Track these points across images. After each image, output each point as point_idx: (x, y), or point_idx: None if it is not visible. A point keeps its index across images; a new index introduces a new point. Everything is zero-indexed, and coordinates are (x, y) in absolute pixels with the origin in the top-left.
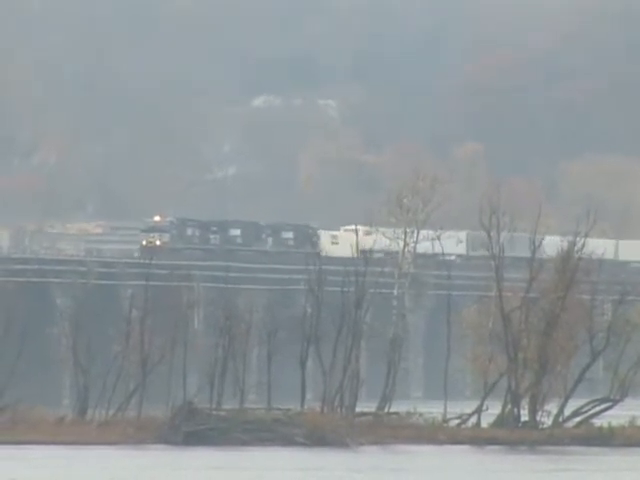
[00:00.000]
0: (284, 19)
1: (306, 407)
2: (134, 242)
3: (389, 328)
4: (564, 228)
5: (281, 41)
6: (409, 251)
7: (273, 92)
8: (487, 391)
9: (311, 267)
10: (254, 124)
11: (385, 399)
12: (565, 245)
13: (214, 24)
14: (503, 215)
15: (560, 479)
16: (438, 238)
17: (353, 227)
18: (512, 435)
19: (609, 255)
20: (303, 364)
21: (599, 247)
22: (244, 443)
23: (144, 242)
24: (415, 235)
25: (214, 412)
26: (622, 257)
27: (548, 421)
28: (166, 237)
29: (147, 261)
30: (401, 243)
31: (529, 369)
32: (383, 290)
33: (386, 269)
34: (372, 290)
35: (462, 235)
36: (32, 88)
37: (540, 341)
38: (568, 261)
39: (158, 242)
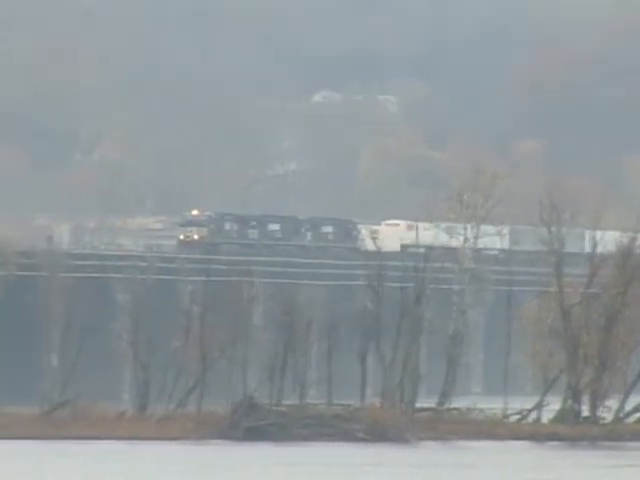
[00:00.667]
0: (346, 15)
1: (366, 402)
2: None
3: (449, 324)
4: (624, 223)
5: (342, 37)
6: (469, 247)
7: (334, 88)
8: (547, 387)
9: (372, 262)
10: (315, 120)
11: (445, 395)
12: (625, 240)
13: (276, 20)
14: (563, 211)
15: (621, 475)
16: (498, 234)
17: (395, 222)
18: (572, 431)
19: None
20: (363, 359)
21: None
22: (304, 439)
23: (181, 236)
24: (475, 231)
25: (274, 407)
26: None
27: (609, 417)
28: (204, 231)
29: (208, 257)
30: (461, 239)
31: (589, 365)
32: (443, 286)
33: (446, 264)
34: (432, 286)
35: (505, 229)
36: (94, 85)
37: (600, 337)
38: (629, 257)
39: (196, 236)
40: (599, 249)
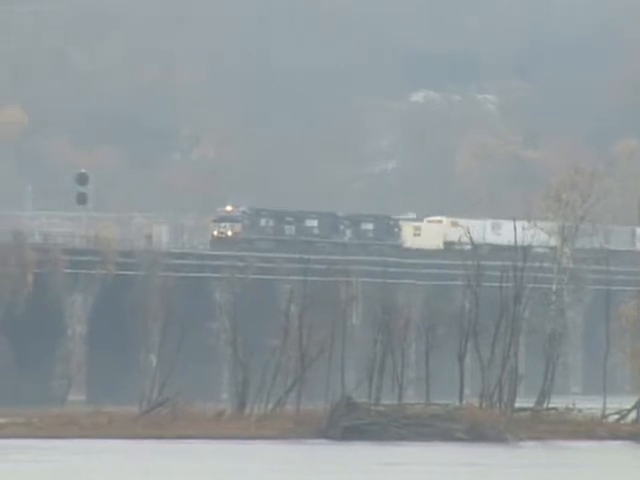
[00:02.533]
0: (444, 14)
1: (464, 402)
2: None
3: (547, 323)
4: None
5: (441, 36)
6: (568, 246)
7: (432, 87)
8: None
9: (469, 262)
10: (413, 119)
11: (544, 395)
12: None
13: (375, 19)
14: None
15: None
16: (596, 233)
17: (437, 218)
18: None
19: None
20: (461, 359)
21: None
22: (402, 438)
23: (215, 232)
24: (574, 230)
25: (372, 407)
26: None
27: None
28: (238, 227)
29: (305, 256)
30: (559, 238)
31: None
32: (542, 285)
33: (545, 264)
34: (531, 285)
35: (557, 226)
36: (192, 85)
37: None
38: None
39: (230, 232)
40: None
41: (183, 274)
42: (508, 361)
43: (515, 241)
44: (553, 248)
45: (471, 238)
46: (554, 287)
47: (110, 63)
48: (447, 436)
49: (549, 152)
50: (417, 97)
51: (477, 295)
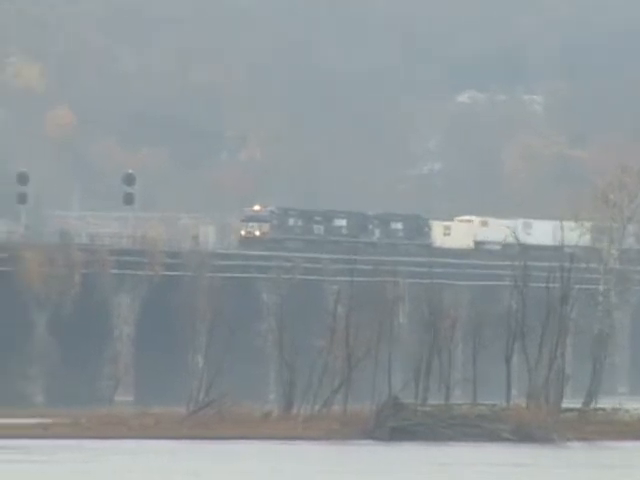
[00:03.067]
0: (490, 15)
1: (511, 403)
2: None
3: (594, 324)
4: None
5: (488, 37)
6: (615, 247)
7: (478, 88)
8: None
9: (516, 262)
10: (460, 120)
11: (591, 395)
12: None
13: (421, 20)
14: None
15: None
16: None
17: (467, 217)
18: None
19: None
20: (508, 360)
21: None
22: (450, 439)
23: (242, 232)
24: (621, 230)
25: (419, 408)
26: None
27: None
28: (266, 227)
29: (353, 257)
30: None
31: None
32: (589, 286)
33: (591, 265)
34: (577, 286)
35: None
36: (240, 86)
37: None
38: None
39: (257, 232)
40: None
41: (230, 274)
42: (555, 362)
43: (562, 242)
44: (598, 249)
45: (517, 238)
46: (601, 288)
47: (157, 64)
48: (494, 436)
49: (596, 152)
50: (463, 98)
51: (524, 296)
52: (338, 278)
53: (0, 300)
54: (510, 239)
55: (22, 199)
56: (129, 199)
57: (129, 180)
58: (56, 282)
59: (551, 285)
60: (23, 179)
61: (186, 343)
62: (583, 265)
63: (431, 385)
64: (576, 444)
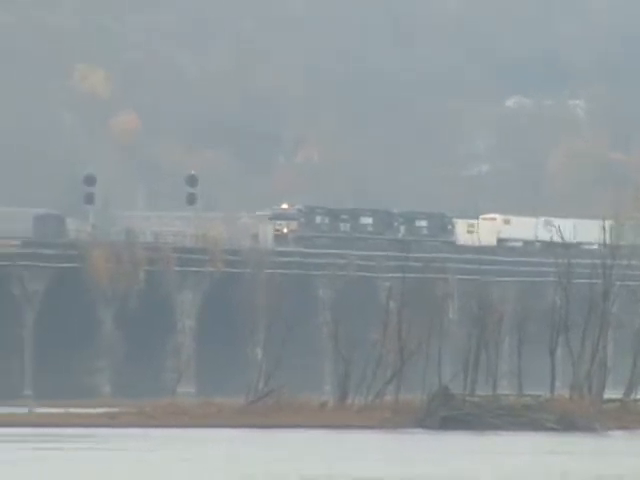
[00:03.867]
0: (535, 21)
1: (555, 394)
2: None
3: (635, 319)
4: None
5: (532, 43)
6: None
7: (524, 93)
8: None
9: (560, 260)
10: (507, 123)
11: (631, 386)
12: None
13: (470, 24)
14: None
15: None
16: None
17: (491, 216)
18: None
19: None
20: (552, 353)
21: None
22: (497, 428)
23: (275, 229)
24: None
25: (468, 398)
26: None
27: None
28: (294, 225)
29: (405, 254)
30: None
31: None
32: (630, 282)
33: (633, 262)
34: (619, 282)
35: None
36: (296, 89)
37: None
38: None
39: (285, 230)
40: None
41: (288, 271)
42: (597, 355)
43: (603, 240)
44: (638, 247)
45: (562, 236)
46: None
47: (217, 69)
48: (539, 426)
49: (637, 154)
50: (510, 102)
51: (567, 291)
52: (390, 275)
53: (69, 296)
54: (555, 237)
55: (89, 200)
56: (192, 199)
57: (192, 181)
58: (122, 279)
59: (594, 281)
60: (90, 181)
61: (246, 336)
62: (625, 262)
63: (479, 377)
64: (617, 433)
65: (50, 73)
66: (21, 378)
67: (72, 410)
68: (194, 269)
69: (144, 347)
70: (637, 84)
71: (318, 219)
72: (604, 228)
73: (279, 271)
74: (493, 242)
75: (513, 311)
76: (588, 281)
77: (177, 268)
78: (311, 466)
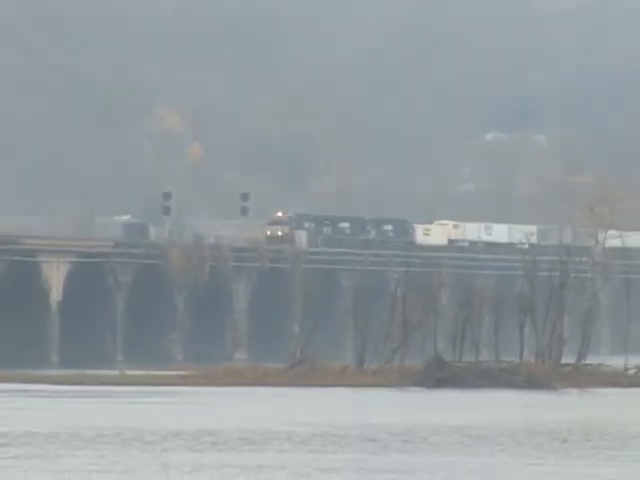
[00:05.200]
0: (511, 70)
1: (524, 360)
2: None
3: (584, 303)
4: None
5: (508, 89)
6: (599, 246)
7: (501, 129)
8: None
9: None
10: (487, 153)
11: (581, 354)
12: None
13: (460, 77)
14: None
15: None
16: (618, 238)
17: (443, 222)
18: None
19: None
20: (521, 329)
21: None
22: (479, 386)
23: (268, 232)
24: (602, 235)
25: (456, 364)
26: None
27: None
28: (286, 229)
29: (407, 253)
30: (594, 239)
31: None
32: (580, 275)
33: (583, 259)
34: (572, 275)
35: (534, 228)
36: (324, 118)
37: None
38: None
39: (279, 233)
40: None
41: (318, 266)
42: (555, 330)
43: (561, 243)
44: (587, 247)
45: (529, 240)
46: (589, 276)
47: (263, 110)
48: (512, 385)
49: (587, 178)
50: (489, 136)
51: (532, 282)
52: (397, 269)
53: (151, 286)
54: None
55: (166, 211)
56: (244, 211)
57: (244, 197)
58: (191, 272)
59: (553, 274)
60: (167, 196)
61: (286, 316)
62: (577, 259)
63: (465, 347)
64: (571, 390)
65: (136, 113)
66: (114, 348)
67: (153, 373)
68: (246, 264)
69: (208, 324)
70: (586, 124)
71: (306, 224)
72: (532, 233)
73: (311, 266)
74: (445, 242)
75: (491, 297)
76: (548, 274)
77: (233, 264)
78: (336, 415)
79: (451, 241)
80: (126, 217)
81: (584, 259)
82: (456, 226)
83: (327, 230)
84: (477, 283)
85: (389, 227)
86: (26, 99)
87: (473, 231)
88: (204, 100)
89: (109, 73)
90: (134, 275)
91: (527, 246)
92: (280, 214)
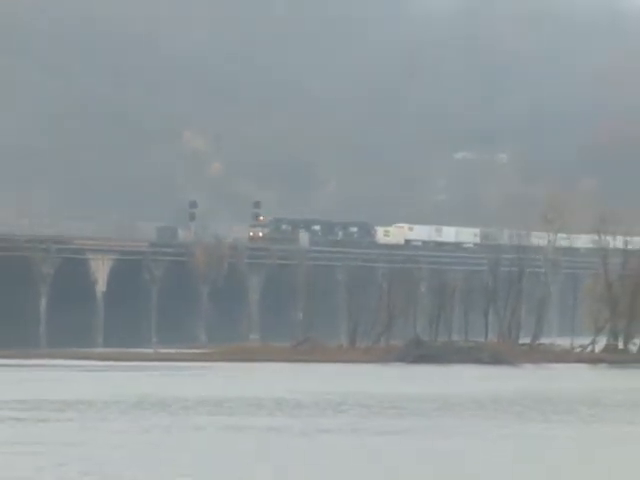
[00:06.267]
0: (477, 99)
1: (488, 340)
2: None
3: (538, 292)
4: None
5: (476, 116)
6: (551, 246)
7: (468, 149)
8: (598, 331)
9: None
10: (457, 169)
11: (536, 336)
12: None
13: (435, 107)
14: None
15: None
16: (566, 239)
17: (400, 225)
18: (614, 357)
19: None
20: (486, 314)
21: None
22: (452, 362)
23: (251, 234)
24: (553, 237)
25: (432, 343)
26: None
27: (635, 349)
28: (265, 230)
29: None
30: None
31: (623, 317)
32: (535, 269)
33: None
34: (528, 269)
35: (477, 230)
36: (322, 142)
37: (629, 301)
38: None
39: (260, 234)
40: (630, 248)
41: (318, 263)
42: (514, 315)
43: (520, 243)
44: (541, 247)
45: (486, 240)
46: (542, 271)
47: (274, 134)
48: (478, 361)
49: (540, 189)
50: (458, 156)
51: (495, 275)
52: (383, 264)
53: (179, 279)
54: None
55: (192, 217)
56: (256, 215)
57: (257, 205)
58: (213, 267)
59: (513, 269)
60: (193, 205)
61: (291, 304)
62: (532, 256)
63: (439, 329)
64: (527, 365)
65: (168, 136)
66: (149, 331)
67: (181, 350)
68: (258, 261)
69: (227, 311)
70: (540, 144)
71: (283, 227)
72: (475, 234)
73: (312, 262)
74: (402, 242)
75: (462, 287)
76: (508, 269)
77: (247, 261)
78: (332, 386)
79: (407, 241)
80: (159, 223)
81: (538, 257)
82: (411, 228)
83: (303, 232)
84: (449, 277)
85: (354, 229)
86: (75, 123)
87: (425, 232)
88: (223, 126)
89: (147, 103)
90: (165, 270)
91: (471, 245)
92: (261, 218)
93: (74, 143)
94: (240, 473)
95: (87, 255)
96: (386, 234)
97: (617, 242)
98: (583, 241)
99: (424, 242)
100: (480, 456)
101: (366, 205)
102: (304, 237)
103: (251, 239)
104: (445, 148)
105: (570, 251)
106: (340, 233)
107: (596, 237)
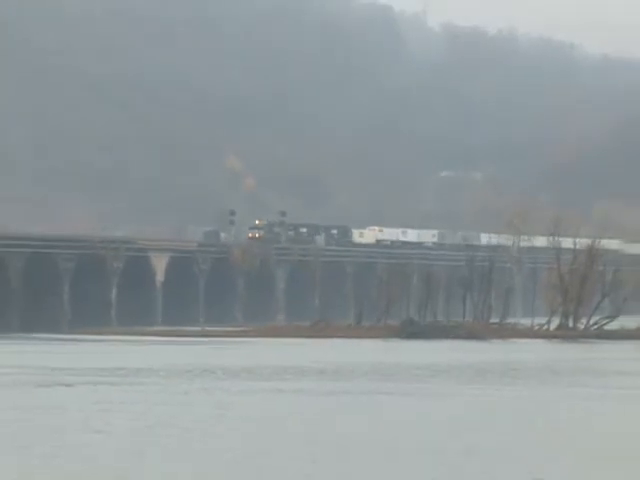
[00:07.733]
0: (455, 125)
1: (465, 320)
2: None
3: (505, 283)
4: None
5: (456, 141)
6: (515, 245)
7: (451, 169)
8: (553, 312)
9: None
10: (442, 186)
11: (503, 317)
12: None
13: (423, 130)
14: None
15: (584, 350)
16: (527, 240)
17: (373, 227)
18: (565, 334)
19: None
20: (464, 300)
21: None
22: (438, 337)
23: (250, 235)
24: (517, 238)
25: (423, 323)
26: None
27: (581, 327)
28: (262, 232)
29: (378, 250)
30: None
31: (572, 302)
32: (503, 264)
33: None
34: (498, 264)
35: (435, 232)
36: (332, 161)
37: (578, 288)
38: (589, 251)
39: (257, 235)
40: (578, 247)
41: (332, 259)
42: (486, 301)
43: (491, 243)
44: (506, 247)
45: (468, 241)
46: (508, 266)
47: (286, 155)
48: (458, 336)
49: (509, 201)
50: (443, 174)
51: (471, 269)
52: (382, 260)
53: (221, 272)
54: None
55: (231, 223)
56: (282, 222)
57: (282, 213)
58: (248, 263)
59: (485, 264)
60: (232, 213)
61: (310, 292)
62: (500, 254)
63: (427, 312)
64: (497, 341)
65: (211, 157)
66: (197, 313)
67: (223, 329)
68: (283, 258)
69: (259, 297)
70: (508, 167)
71: (277, 229)
72: (433, 235)
73: (327, 259)
74: (373, 241)
75: (446, 279)
76: (482, 264)
77: (275, 258)
78: (344, 356)
79: (378, 240)
80: (206, 227)
81: (505, 254)
82: (381, 230)
83: (291, 234)
84: (434, 270)
85: (335, 231)
86: (139, 147)
87: (393, 234)
88: (254, 149)
89: (194, 132)
90: (210, 265)
91: (430, 244)
92: (258, 222)
93: (139, 163)
94: (279, 424)
95: (148, 253)
96: (361, 235)
97: (568, 242)
98: (541, 242)
99: (392, 242)
100: (459, 411)
101: (366, 212)
102: (320, 239)
103: (250, 239)
104: (432, 167)
105: (530, 250)
106: (323, 234)
107: (551, 238)
